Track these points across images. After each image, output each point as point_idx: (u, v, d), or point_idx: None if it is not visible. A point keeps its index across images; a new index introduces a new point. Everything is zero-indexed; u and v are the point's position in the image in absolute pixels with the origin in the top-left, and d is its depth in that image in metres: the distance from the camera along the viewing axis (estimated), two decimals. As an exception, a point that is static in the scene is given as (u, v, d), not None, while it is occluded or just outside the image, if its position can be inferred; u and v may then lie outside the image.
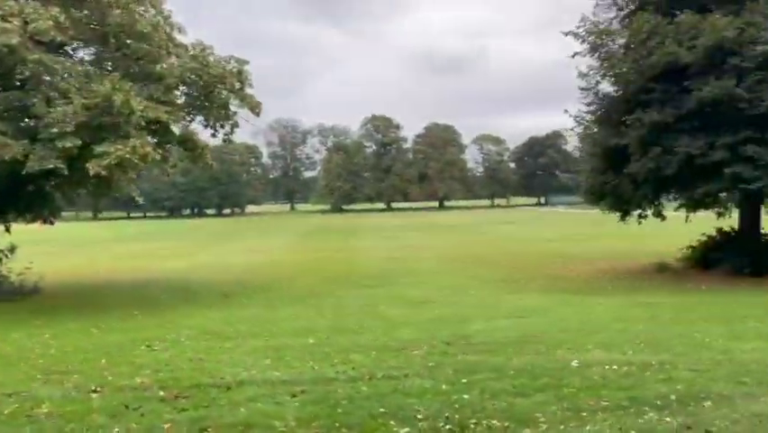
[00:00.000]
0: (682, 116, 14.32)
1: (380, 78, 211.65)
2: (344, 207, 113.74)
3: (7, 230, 17.41)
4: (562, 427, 4.64)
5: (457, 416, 4.98)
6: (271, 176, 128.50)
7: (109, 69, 15.84)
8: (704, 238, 18.24)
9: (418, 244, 34.04)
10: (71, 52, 16.68)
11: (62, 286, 19.15)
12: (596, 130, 17.38)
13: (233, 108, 17.06)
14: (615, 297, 13.89)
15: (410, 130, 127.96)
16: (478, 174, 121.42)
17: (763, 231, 17.24)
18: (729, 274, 16.37)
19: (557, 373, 6.37)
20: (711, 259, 17.39)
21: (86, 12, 15.82)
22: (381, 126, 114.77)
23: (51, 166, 12.02)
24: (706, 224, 18.68)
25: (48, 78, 13.04)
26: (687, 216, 17.52)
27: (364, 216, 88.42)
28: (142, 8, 15.52)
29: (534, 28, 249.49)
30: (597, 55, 17.19)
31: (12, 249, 17.31)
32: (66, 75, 13.25)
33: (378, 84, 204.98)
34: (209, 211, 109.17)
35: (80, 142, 12.31)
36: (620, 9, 17.66)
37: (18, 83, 13.20)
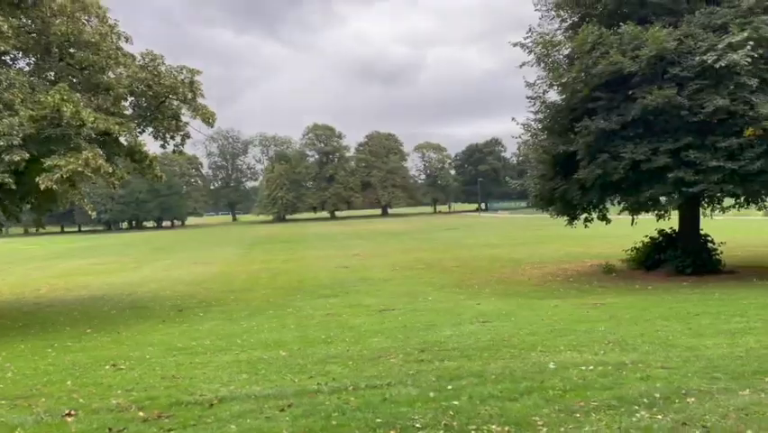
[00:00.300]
0: (627, 123, 14.97)
1: (319, 88, 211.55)
2: (288, 216, 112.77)
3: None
4: (562, 429, 4.77)
5: (455, 423, 5.05)
6: (212, 187, 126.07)
7: (51, 78, 15.28)
8: (646, 240, 19.09)
9: (367, 252, 34.11)
10: (10, 62, 15.98)
11: (2, 305, 18.22)
12: (544, 137, 17.93)
13: (183, 119, 16.76)
14: (569, 299, 14.33)
15: (352, 139, 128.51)
16: (420, 181, 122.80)
17: (701, 232, 18.17)
18: (672, 274, 17.18)
19: (537, 376, 6.54)
20: (654, 260, 18.21)
21: (25, 20, 15.24)
22: (323, 135, 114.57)
23: (0, 181, 11.44)
24: (646, 226, 19.59)
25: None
26: (633, 219, 18.31)
27: (309, 225, 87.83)
28: (87, 17, 15.03)
29: (472, 40, 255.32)
30: (543, 65, 17.80)
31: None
32: (8, 85, 12.64)
33: (317, 94, 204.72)
34: (148, 224, 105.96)
35: (28, 155, 11.78)
36: (563, 21, 18.34)
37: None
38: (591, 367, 6.79)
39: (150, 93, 15.74)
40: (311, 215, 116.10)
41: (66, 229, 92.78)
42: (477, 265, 24.58)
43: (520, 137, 19.76)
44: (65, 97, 12.57)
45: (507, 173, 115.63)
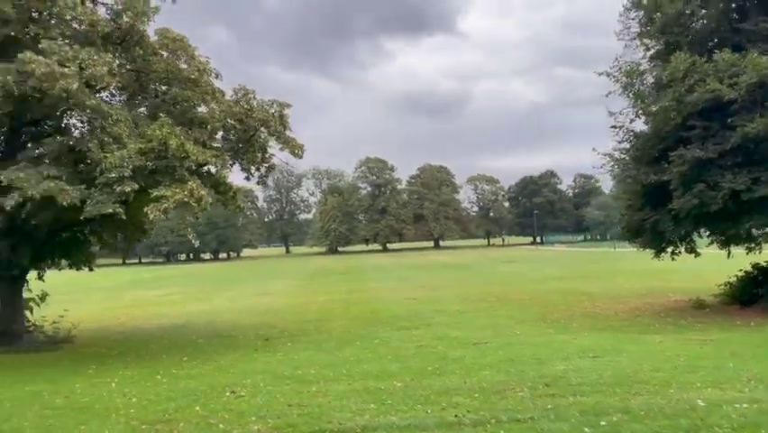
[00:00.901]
0: (725, 152, 14.51)
1: (370, 123, 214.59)
2: (340, 248, 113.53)
3: (40, 278, 17.12)
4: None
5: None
6: (266, 219, 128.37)
7: (145, 113, 15.93)
8: (741, 274, 18.27)
9: (431, 284, 33.86)
10: (108, 98, 16.77)
11: (90, 334, 18.73)
12: (631, 167, 17.53)
13: (270, 151, 17.14)
14: (669, 334, 13.78)
15: (404, 171, 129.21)
16: (472, 214, 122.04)
17: (802, 265, 17.32)
18: (770, 310, 16.36)
19: (691, 413, 6.24)
20: (751, 295, 17.38)
21: (124, 57, 15.99)
22: (375, 168, 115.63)
23: (110, 210, 11.87)
24: (718, 260, 18.69)
25: (101, 124, 12.99)
26: (729, 252, 17.59)
27: (362, 257, 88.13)
28: (183, 56, 15.67)
29: (519, 72, 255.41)
30: (627, 94, 17.53)
31: (43, 297, 16.99)
32: (116, 120, 13.21)
33: (368, 128, 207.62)
34: (205, 256, 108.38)
35: (137, 186, 12.21)
36: (648, 49, 18.08)
37: (73, 128, 13.19)
38: (745, 405, 6.44)
39: (241, 126, 16.20)
40: (363, 247, 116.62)
41: (127, 261, 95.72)
42: (549, 299, 24.00)
43: (602, 168, 19.39)
44: (169, 131, 13.06)
45: (563, 205, 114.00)
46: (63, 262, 17.38)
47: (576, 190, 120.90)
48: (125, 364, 12.65)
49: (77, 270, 17.68)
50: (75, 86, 11.69)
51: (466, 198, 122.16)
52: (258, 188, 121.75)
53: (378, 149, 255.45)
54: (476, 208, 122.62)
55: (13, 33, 13.64)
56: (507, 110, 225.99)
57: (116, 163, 12.11)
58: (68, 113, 16.46)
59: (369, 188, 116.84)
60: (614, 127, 17.96)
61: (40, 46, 12.13)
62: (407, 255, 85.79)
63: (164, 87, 16.75)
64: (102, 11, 14.72)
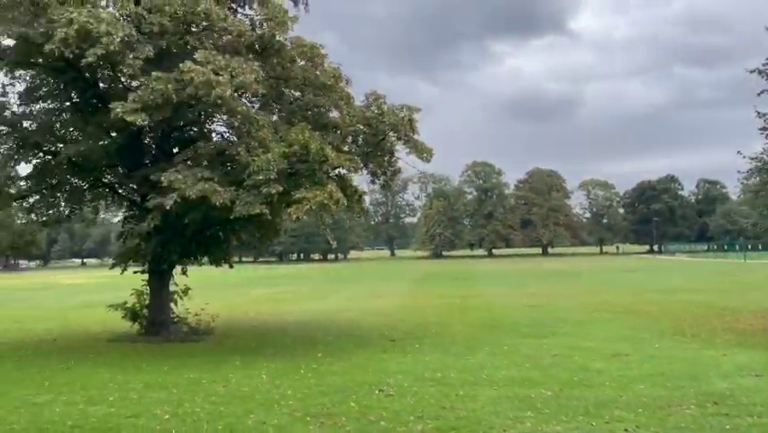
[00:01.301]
0: None
1: (475, 127, 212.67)
2: (444, 253, 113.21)
3: (184, 273, 18.33)
4: None
5: None
6: (372, 222, 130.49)
7: (280, 118, 16.63)
8: None
9: (546, 292, 32.90)
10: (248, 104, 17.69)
11: (225, 327, 19.82)
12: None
13: (397, 155, 17.35)
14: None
15: (511, 176, 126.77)
16: (584, 220, 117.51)
17: None
18: None
19: None
20: None
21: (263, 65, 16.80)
22: (482, 172, 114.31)
23: (257, 211, 12.52)
24: None
25: (247, 129, 13.72)
26: None
27: (468, 262, 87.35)
28: (320, 63, 16.20)
29: (635, 72, 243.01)
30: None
31: (186, 291, 18.18)
32: (260, 125, 13.89)
33: (472, 132, 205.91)
34: (314, 256, 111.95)
35: (281, 188, 12.78)
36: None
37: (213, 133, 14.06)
38: None
39: (370, 131, 16.52)
40: (467, 252, 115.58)
41: (242, 259, 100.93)
42: (682, 312, 22.52)
43: (747, 172, 18.01)
44: (309, 135, 13.57)
45: (685, 212, 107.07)
46: (204, 258, 18.50)
47: (699, 197, 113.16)
48: (266, 358, 13.24)
49: (217, 266, 18.76)
50: (228, 93, 12.42)
51: (578, 203, 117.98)
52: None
53: (483, 153, 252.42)
54: (588, 214, 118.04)
55: (168, 45, 14.79)
56: (621, 112, 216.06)
57: (263, 166, 12.74)
58: (211, 118, 17.65)
59: (475, 193, 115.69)
60: (762, 129, 16.63)
61: (195, 56, 13.00)
62: (515, 261, 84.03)
63: (297, 94, 17.47)
64: (245, 22, 15.58)
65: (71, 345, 16.24)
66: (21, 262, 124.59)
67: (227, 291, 38.99)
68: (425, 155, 16.51)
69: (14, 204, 17.14)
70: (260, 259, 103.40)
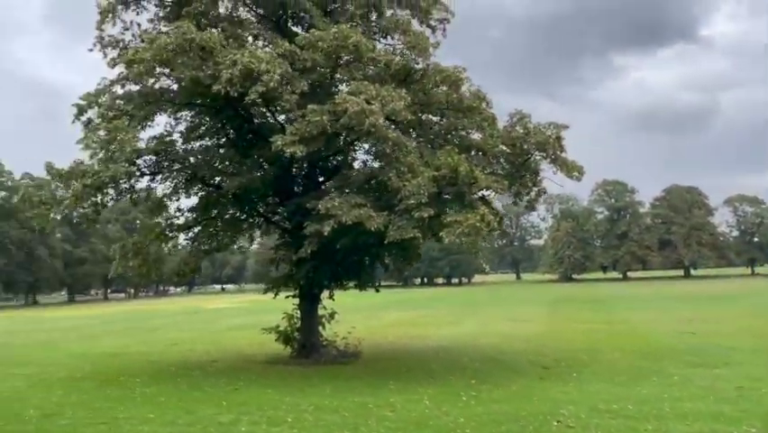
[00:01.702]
0: None
1: (600, 143, 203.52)
2: (575, 276, 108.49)
3: (331, 297, 18.85)
4: None
5: None
6: (496, 245, 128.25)
7: (422, 142, 16.74)
8: None
9: (701, 317, 30.26)
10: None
11: (369, 350, 20.08)
12: None
13: (542, 174, 16.84)
14: None
15: (644, 193, 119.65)
16: (731, 239, 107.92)
17: None
18: None
19: None
20: None
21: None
22: (614, 191, 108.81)
23: (411, 235, 12.62)
24: None
25: (396, 154, 13.93)
26: None
27: (601, 285, 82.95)
28: (466, 85, 16.20)
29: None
30: None
31: (332, 315, 18.66)
32: (408, 150, 14.06)
33: (598, 149, 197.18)
34: (438, 281, 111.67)
35: (433, 211, 12.80)
36: None
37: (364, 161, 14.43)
38: None
39: (513, 151, 16.18)
40: (599, 275, 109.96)
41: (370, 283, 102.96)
42: None
43: None
44: (455, 158, 13.53)
45: None
46: (349, 283, 18.94)
47: None
48: (420, 383, 13.17)
49: (361, 290, 19.12)
50: (380, 120, 12.70)
51: (723, 220, 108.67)
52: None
53: (611, 170, 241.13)
54: (736, 233, 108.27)
55: (319, 79, 15.49)
56: (762, 120, 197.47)
57: (414, 190, 12.84)
58: (354, 146, 18.19)
59: (606, 212, 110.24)
60: None
61: (347, 87, 13.46)
62: (655, 284, 78.62)
63: (435, 118, 17.57)
64: (390, 51, 15.97)
65: (232, 367, 17.16)
66: (169, 288, 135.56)
67: (360, 315, 39.68)
68: (575, 174, 15.88)
69: (181, 234, 18.51)
70: (384, 284, 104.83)
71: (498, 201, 20.89)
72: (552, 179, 17.21)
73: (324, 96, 15.20)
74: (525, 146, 15.77)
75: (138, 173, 15.63)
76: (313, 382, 13.76)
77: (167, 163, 16.56)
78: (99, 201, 15.28)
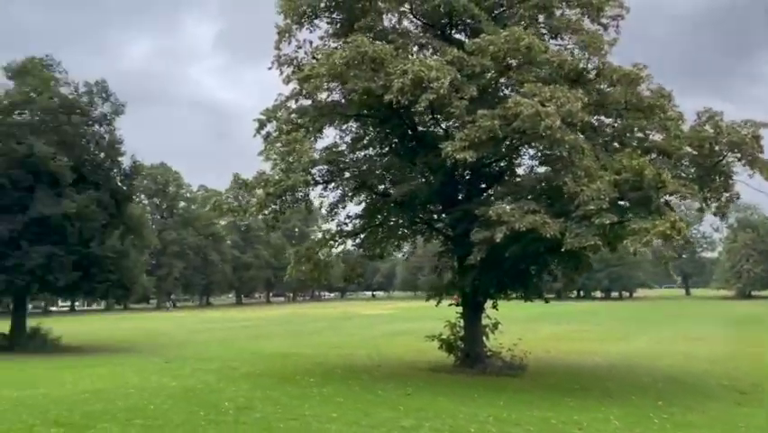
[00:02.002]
0: None
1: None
2: (755, 292, 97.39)
3: (495, 306, 18.42)
4: None
5: None
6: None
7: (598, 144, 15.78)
8: None
9: None
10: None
11: (534, 364, 19.34)
12: None
13: (735, 178, 15.17)
14: None
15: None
16: None
17: None
18: None
19: None
20: None
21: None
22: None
23: (591, 243, 11.94)
24: None
25: (571, 158, 13.28)
26: None
27: (788, 304, 73.44)
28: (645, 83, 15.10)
29: None
30: None
31: (495, 325, 18.18)
32: (584, 154, 13.34)
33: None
34: (595, 294, 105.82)
35: (615, 218, 12.00)
36: None
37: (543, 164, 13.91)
38: None
39: (702, 152, 14.75)
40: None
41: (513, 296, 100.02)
42: None
43: None
44: (639, 161, 12.59)
45: None
46: (513, 292, 18.40)
47: None
48: (601, 402, 12.36)
49: (527, 300, 18.49)
50: (557, 123, 12.17)
51: None
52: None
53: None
54: None
55: (488, 84, 15.27)
56: None
57: (593, 196, 12.13)
58: (518, 151, 17.67)
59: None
60: None
61: (521, 90, 13.08)
62: None
63: (609, 120, 16.56)
64: (562, 51, 15.33)
65: (397, 372, 17.35)
66: (324, 293, 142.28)
67: (515, 327, 38.58)
68: (779, 178, 14.12)
69: (349, 240, 19.15)
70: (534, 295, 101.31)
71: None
72: (747, 183, 15.53)
73: (492, 100, 14.95)
74: (717, 147, 14.33)
75: (312, 182, 16.40)
76: (482, 393, 13.46)
77: (338, 172, 17.22)
78: (278, 208, 16.24)
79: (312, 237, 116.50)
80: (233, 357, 21.82)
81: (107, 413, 10.25)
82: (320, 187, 17.27)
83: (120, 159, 28.47)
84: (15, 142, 25.05)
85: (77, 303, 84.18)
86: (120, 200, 28.15)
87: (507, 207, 12.90)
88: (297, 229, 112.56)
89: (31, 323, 28.31)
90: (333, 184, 17.50)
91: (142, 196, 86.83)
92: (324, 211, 18.14)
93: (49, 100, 25.85)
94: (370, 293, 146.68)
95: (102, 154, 28.40)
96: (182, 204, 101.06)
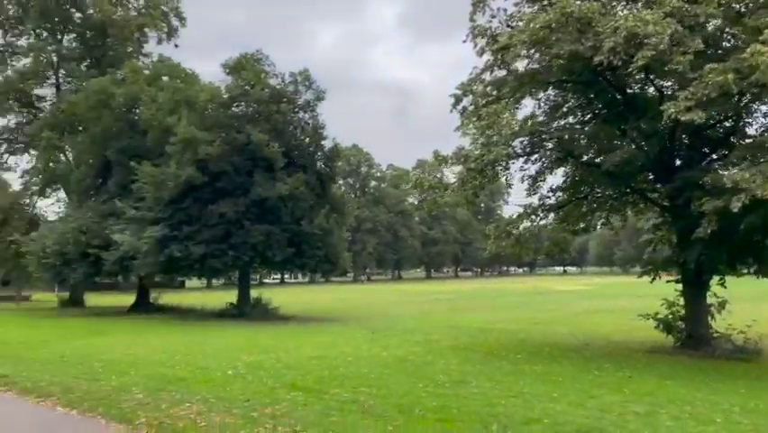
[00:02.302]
0: None
1: None
2: None
3: (722, 283, 16.57)
4: None
5: None
6: None
7: None
8: None
9: None
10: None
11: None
12: None
13: None
14: None
15: None
16: None
17: None
18: None
19: None
20: None
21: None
22: None
23: None
24: None
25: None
26: None
27: None
28: None
29: None
30: None
31: (722, 304, 16.32)
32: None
33: None
34: None
35: None
36: None
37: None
38: None
39: None
40: None
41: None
42: None
43: None
44: None
45: None
46: (744, 268, 16.38)
47: None
48: None
49: (759, 277, 16.34)
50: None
51: None
52: None
53: None
54: None
55: (714, 35, 13.55)
56: None
57: None
58: (748, 108, 15.51)
59: None
60: None
61: (760, 38, 11.37)
62: None
63: None
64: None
65: (609, 352, 16.39)
66: (511, 268, 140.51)
67: (741, 306, 34.43)
68: None
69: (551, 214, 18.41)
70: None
71: None
72: None
73: (718, 53, 13.27)
74: None
75: (514, 155, 15.97)
76: (714, 378, 12.18)
77: (539, 143, 16.56)
78: (478, 184, 16.08)
79: (498, 212, 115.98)
80: (432, 330, 22.30)
81: (335, 379, 10.99)
82: (521, 160, 16.76)
83: (323, 142, 30.42)
84: (236, 131, 27.91)
85: (285, 276, 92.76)
86: (324, 181, 30.15)
87: (746, 172, 11.32)
88: (482, 204, 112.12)
89: (252, 294, 31.72)
90: (535, 156, 16.88)
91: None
92: (525, 185, 17.57)
93: (261, 92, 28.34)
94: (560, 268, 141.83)
95: (306, 139, 30.56)
96: (373, 183, 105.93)
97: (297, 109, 29.95)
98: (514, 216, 17.81)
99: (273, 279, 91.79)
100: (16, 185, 44.09)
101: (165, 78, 33.33)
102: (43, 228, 34.44)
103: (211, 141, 27.00)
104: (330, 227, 29.51)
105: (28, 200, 43.40)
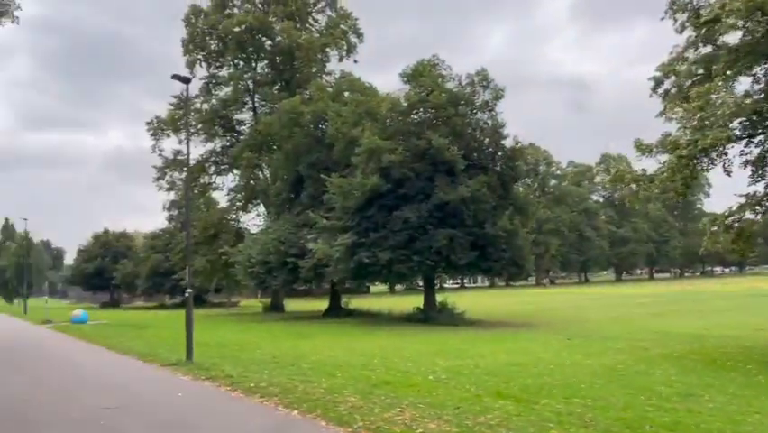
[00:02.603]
0: None
1: None
2: None
3: None
4: None
5: None
6: None
7: None
8: None
9: None
10: None
11: None
12: None
13: None
14: None
15: None
16: None
17: None
18: None
19: None
20: None
21: None
22: None
23: None
24: None
25: None
26: None
27: None
28: None
29: None
30: None
31: None
32: None
33: None
34: None
35: None
36: None
37: None
38: None
39: None
40: None
41: None
42: None
43: None
44: None
45: None
46: None
47: None
48: None
49: None
50: None
51: None
52: None
53: None
54: None
55: None
56: None
57: None
58: None
59: None
60: None
61: None
62: None
63: None
64: None
65: None
66: (716, 268, 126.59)
67: None
68: None
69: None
70: None
71: None
72: None
73: None
74: None
75: (734, 137, 14.04)
76: None
77: (763, 122, 14.39)
78: (689, 173, 14.37)
79: (698, 206, 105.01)
80: (636, 336, 20.52)
81: (542, 388, 10.34)
82: (742, 143, 14.68)
83: (503, 142, 29.66)
84: (416, 138, 28.26)
85: (465, 280, 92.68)
86: (506, 182, 29.37)
87: None
88: (681, 198, 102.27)
89: (437, 298, 31.83)
90: (759, 137, 14.69)
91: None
92: (748, 170, 15.35)
93: (439, 96, 28.40)
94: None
95: (486, 140, 30.02)
96: (553, 181, 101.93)
97: (475, 110, 29.58)
98: (734, 208, 15.64)
99: (453, 283, 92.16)
100: (223, 202, 49.21)
101: (347, 93, 34.95)
102: (248, 240, 37.88)
103: (393, 149, 27.62)
104: (514, 229, 28.63)
105: (234, 215, 48.12)
